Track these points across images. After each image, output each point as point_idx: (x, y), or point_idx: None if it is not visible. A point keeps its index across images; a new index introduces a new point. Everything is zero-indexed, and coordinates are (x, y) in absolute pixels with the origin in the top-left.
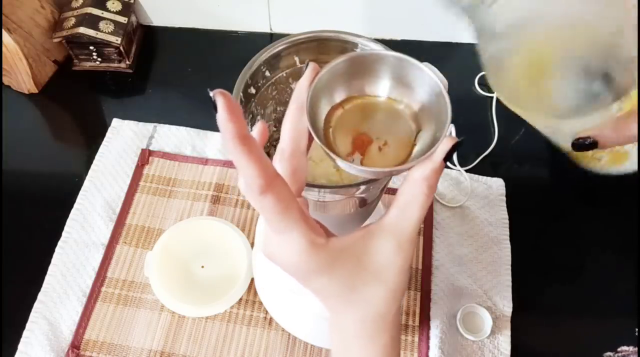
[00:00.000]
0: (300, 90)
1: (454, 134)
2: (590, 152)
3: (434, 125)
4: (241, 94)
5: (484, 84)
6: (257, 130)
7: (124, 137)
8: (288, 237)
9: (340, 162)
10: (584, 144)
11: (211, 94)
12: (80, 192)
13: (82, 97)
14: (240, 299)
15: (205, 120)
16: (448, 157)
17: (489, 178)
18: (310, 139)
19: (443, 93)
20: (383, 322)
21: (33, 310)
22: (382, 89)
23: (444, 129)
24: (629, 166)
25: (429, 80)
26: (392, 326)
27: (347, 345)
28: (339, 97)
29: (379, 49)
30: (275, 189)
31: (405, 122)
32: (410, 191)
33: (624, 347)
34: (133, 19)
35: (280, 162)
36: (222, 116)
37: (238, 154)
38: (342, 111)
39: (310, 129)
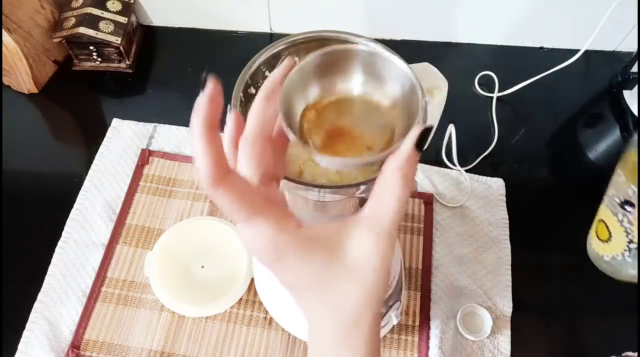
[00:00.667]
0: (271, 80)
1: (454, 134)
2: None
3: (409, 116)
4: (241, 94)
5: (483, 84)
6: (231, 120)
7: (124, 137)
8: (254, 224)
9: (313, 155)
10: None
11: (205, 75)
12: (80, 192)
13: (82, 97)
14: (240, 299)
15: None
16: (419, 145)
17: (489, 178)
18: (282, 132)
19: (415, 86)
20: (357, 328)
21: (33, 310)
22: (355, 83)
23: (416, 118)
24: None
25: (400, 72)
26: (370, 334)
27: (323, 352)
28: (312, 92)
29: (351, 44)
30: (228, 182)
31: (380, 115)
32: (385, 182)
33: (629, 353)
34: (133, 19)
35: (242, 146)
36: (202, 99)
37: (198, 141)
38: (318, 106)
39: (282, 121)
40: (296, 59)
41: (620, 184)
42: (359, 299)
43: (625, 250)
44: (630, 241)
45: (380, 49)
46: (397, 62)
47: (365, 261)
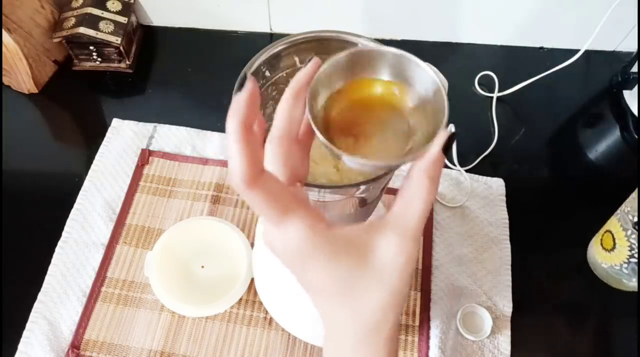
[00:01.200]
0: (299, 80)
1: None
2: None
3: (432, 121)
4: None
5: (483, 84)
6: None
7: (124, 137)
8: (286, 225)
9: (340, 154)
10: None
11: (243, 75)
12: (80, 192)
13: (82, 97)
14: (240, 299)
15: (206, 120)
16: (445, 149)
17: (489, 178)
18: (307, 132)
19: (441, 90)
20: (378, 331)
21: (33, 310)
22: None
23: (442, 123)
24: None
25: (427, 78)
26: (390, 338)
27: (341, 355)
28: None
29: (379, 45)
30: (262, 183)
31: (403, 118)
32: (412, 184)
33: None
34: (133, 19)
35: (270, 146)
36: (241, 97)
37: (235, 140)
38: (342, 106)
39: (310, 120)
40: (318, 59)
41: (638, 204)
42: (383, 302)
43: (624, 262)
44: (632, 256)
45: (407, 53)
46: (423, 66)
47: (391, 263)
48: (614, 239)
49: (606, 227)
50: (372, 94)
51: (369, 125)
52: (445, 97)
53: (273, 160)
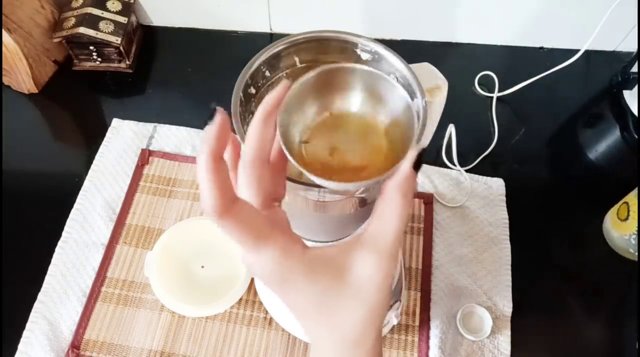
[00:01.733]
0: (268, 102)
1: (454, 134)
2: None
3: (405, 137)
4: (241, 94)
5: (483, 84)
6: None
7: (124, 137)
8: (260, 251)
9: (314, 179)
10: None
11: (214, 106)
12: (80, 192)
13: (82, 97)
14: (240, 299)
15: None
16: (417, 166)
17: (489, 178)
18: (280, 153)
19: (410, 107)
20: (359, 347)
21: (33, 310)
22: (354, 102)
23: (411, 141)
24: None
25: (397, 95)
26: (372, 353)
27: None
28: (310, 112)
29: (347, 64)
30: (234, 212)
31: (377, 134)
32: (386, 202)
33: None
34: (133, 19)
35: (242, 170)
36: (211, 130)
37: (204, 171)
38: (316, 125)
39: (282, 144)
40: (288, 82)
41: (638, 205)
42: (363, 319)
43: (633, 233)
44: None
45: (376, 70)
46: (393, 82)
47: (369, 280)
48: (628, 211)
49: (625, 199)
50: (345, 113)
51: (343, 143)
52: (415, 113)
53: (246, 185)
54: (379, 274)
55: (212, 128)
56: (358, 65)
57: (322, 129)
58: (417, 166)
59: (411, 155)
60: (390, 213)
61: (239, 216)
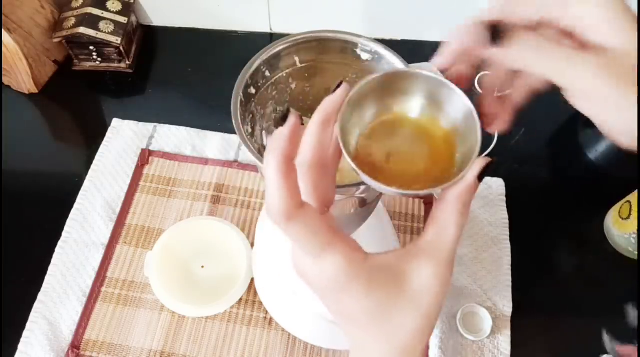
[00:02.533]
0: (328, 104)
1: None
2: None
3: (464, 146)
4: (241, 94)
5: None
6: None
7: (124, 137)
8: (324, 258)
9: (370, 182)
10: None
11: (284, 109)
12: (80, 192)
13: (82, 97)
14: (240, 299)
15: (206, 120)
16: (481, 177)
17: (489, 178)
18: (335, 156)
19: (473, 115)
20: (411, 355)
21: (33, 310)
22: (413, 107)
23: (475, 151)
24: None
25: (459, 102)
26: None
27: None
28: (369, 114)
29: (412, 69)
30: (301, 216)
31: (436, 143)
32: (446, 210)
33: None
34: (133, 19)
35: (301, 174)
36: (283, 131)
37: (275, 173)
38: (372, 129)
39: (342, 149)
40: (347, 86)
41: (638, 205)
42: (419, 326)
43: (633, 232)
44: None
45: (440, 76)
46: (456, 89)
47: (427, 289)
48: (630, 210)
49: (628, 197)
50: (404, 118)
51: (400, 149)
52: (478, 121)
53: (304, 189)
54: (437, 281)
55: (286, 129)
56: (421, 71)
57: (380, 132)
58: (481, 177)
59: (478, 165)
60: (450, 222)
61: (306, 220)
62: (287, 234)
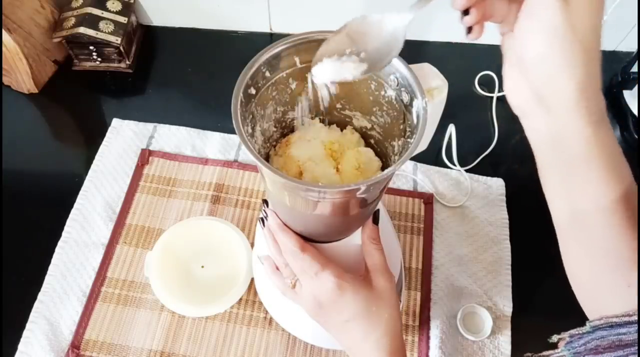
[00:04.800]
0: (272, 227)
1: (454, 134)
2: None
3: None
4: (241, 94)
5: (483, 84)
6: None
7: (124, 137)
8: (322, 275)
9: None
10: None
11: (266, 210)
12: (80, 192)
13: (82, 97)
14: (240, 299)
15: (206, 120)
16: (375, 221)
17: (489, 178)
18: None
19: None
20: (399, 340)
21: (33, 310)
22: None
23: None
24: None
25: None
26: (403, 345)
27: None
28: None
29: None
30: (307, 248)
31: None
32: (366, 245)
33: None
34: (133, 19)
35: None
36: (270, 221)
37: (279, 231)
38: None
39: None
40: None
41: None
42: (392, 315)
43: None
44: None
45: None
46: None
47: (387, 288)
48: None
49: None
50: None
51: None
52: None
53: (289, 239)
54: (389, 284)
55: (271, 220)
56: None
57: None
58: (375, 221)
59: (369, 224)
60: (372, 252)
61: (311, 250)
62: (299, 261)
